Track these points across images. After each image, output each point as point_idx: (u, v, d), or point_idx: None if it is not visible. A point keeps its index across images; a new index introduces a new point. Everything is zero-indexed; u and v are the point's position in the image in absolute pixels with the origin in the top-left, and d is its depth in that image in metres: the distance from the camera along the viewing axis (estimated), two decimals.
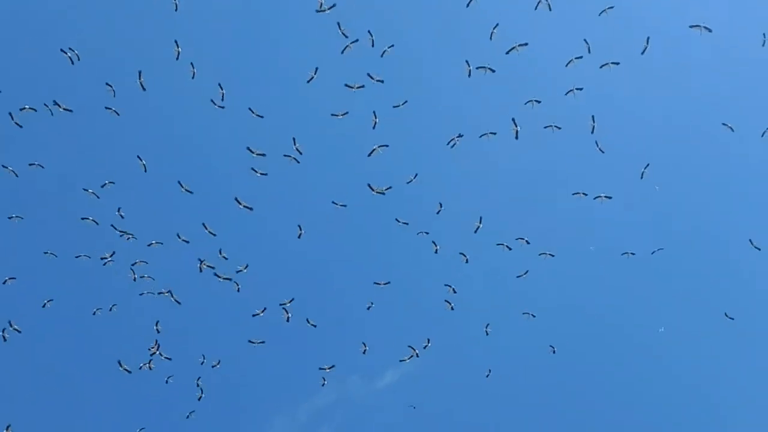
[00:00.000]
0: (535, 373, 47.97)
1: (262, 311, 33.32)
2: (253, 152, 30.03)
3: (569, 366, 48.29)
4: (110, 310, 33.66)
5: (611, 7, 28.44)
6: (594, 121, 29.76)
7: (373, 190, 30.27)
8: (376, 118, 30.28)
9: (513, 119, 29.40)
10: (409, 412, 47.65)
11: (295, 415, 44.91)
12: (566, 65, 29.55)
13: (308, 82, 29.98)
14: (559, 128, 29.87)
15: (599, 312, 47.76)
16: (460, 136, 30.30)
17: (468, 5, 29.21)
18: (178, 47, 29.11)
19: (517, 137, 29.85)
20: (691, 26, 27.26)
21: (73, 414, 44.24)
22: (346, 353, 44.14)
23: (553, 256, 33.84)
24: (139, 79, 29.31)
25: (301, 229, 32.98)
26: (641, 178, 32.63)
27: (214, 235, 31.84)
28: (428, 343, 34.60)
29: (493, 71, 28.91)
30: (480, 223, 33.05)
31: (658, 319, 45.67)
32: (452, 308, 34.42)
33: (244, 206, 31.12)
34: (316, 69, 29.68)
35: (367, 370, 46.53)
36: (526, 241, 33.45)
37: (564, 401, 49.22)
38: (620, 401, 48.45)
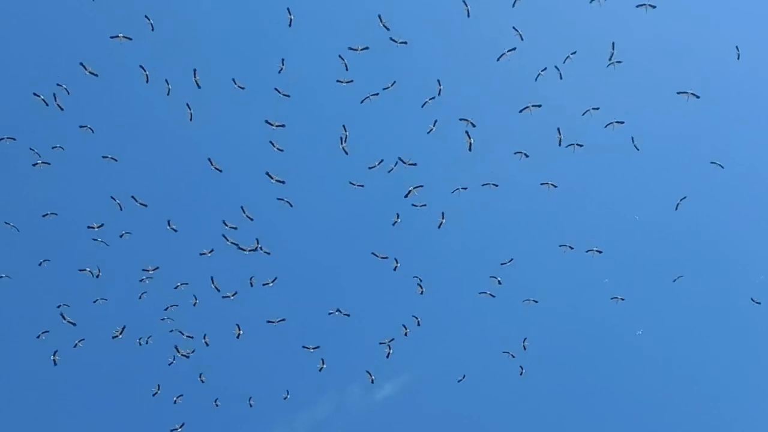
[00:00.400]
0: (534, 383, 48.52)
1: (233, 294, 33.77)
2: (272, 125, 30.31)
3: (568, 378, 49.08)
4: (147, 341, 34.57)
5: (620, 62, 28.63)
6: (560, 133, 29.94)
7: (404, 162, 30.60)
8: (345, 131, 30.79)
9: (467, 132, 29.71)
10: (408, 423, 48.67)
11: (293, 426, 45.80)
12: (582, 114, 30.26)
13: (279, 72, 30.40)
14: (555, 186, 30.23)
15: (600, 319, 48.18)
16: (464, 188, 30.88)
17: (498, 59, 29.93)
18: (145, 71, 29.70)
19: (470, 149, 30.13)
20: (678, 92, 27.16)
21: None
22: (345, 364, 45.15)
23: (536, 302, 34.35)
24: (195, 77, 29.89)
25: (258, 243, 32.89)
26: (676, 209, 33.33)
27: (252, 219, 32.15)
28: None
29: (471, 142, 29.19)
30: (443, 218, 33.11)
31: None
32: (406, 334, 34.91)
33: (277, 180, 31.30)
34: (283, 60, 30.13)
35: (366, 382, 47.21)
36: (498, 281, 34.00)
37: (563, 413, 49.89)
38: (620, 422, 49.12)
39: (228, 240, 31.82)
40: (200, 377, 36.18)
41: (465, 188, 31.38)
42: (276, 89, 30.16)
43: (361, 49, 29.57)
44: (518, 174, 34.69)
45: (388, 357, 35.68)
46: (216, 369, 39.36)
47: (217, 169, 31.55)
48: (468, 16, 29.38)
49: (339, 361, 44.38)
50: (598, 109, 29.39)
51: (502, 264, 34.86)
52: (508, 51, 28.87)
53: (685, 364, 49.10)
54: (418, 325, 34.88)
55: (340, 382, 46.12)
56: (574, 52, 28.51)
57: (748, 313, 45.33)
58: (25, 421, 44.95)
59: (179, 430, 35.79)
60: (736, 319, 47.08)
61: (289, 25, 29.91)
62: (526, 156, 30.08)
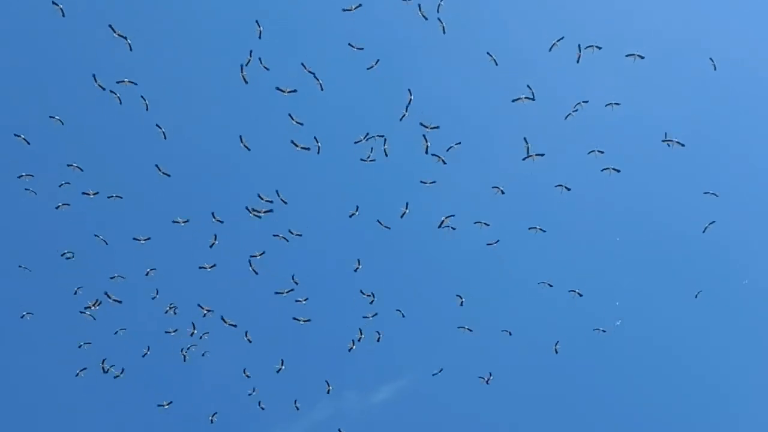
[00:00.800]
0: (532, 386, 49.37)
1: (211, 266, 33.62)
2: (283, 91, 30.23)
3: (566, 382, 49.68)
4: (186, 353, 35.11)
5: (618, 103, 29.09)
6: (529, 148, 30.22)
7: (426, 127, 30.64)
8: (318, 143, 31.22)
9: (424, 135, 30.28)
10: (405, 427, 49.40)
11: (289, 430, 46.40)
12: (588, 153, 30.90)
13: (246, 64, 30.28)
14: (544, 231, 30.60)
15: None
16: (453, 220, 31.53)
17: (513, 101, 30.27)
18: (117, 95, 30.24)
19: (427, 152, 30.72)
20: (663, 140, 27.38)
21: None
22: (342, 368, 45.76)
23: (510, 334, 34.88)
24: (242, 72, 30.09)
25: (216, 239, 33.00)
26: (703, 232, 34.11)
27: (286, 203, 32.20)
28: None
29: (428, 145, 29.46)
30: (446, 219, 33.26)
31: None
32: (359, 339, 35.29)
33: (302, 147, 31.51)
34: (251, 52, 29.85)
35: (363, 385, 47.92)
36: (461, 302, 34.64)
37: (560, 416, 50.60)
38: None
39: (251, 211, 31.64)
40: (244, 372, 36.38)
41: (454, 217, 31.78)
42: (302, 64, 30.11)
43: (355, 8, 29.85)
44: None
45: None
46: (212, 371, 40.03)
47: (246, 147, 31.67)
48: (444, 32, 29.68)
49: (336, 364, 45.27)
50: (603, 152, 29.94)
51: (488, 244, 34.98)
52: (525, 97, 29.14)
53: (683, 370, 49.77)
54: (378, 341, 35.32)
55: (336, 386, 46.59)
56: (587, 101, 28.80)
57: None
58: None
59: (167, 406, 36.02)
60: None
61: (259, 37, 29.98)
62: (503, 193, 30.53)
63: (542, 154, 29.36)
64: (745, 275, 43.55)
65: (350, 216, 33.22)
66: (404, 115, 30.95)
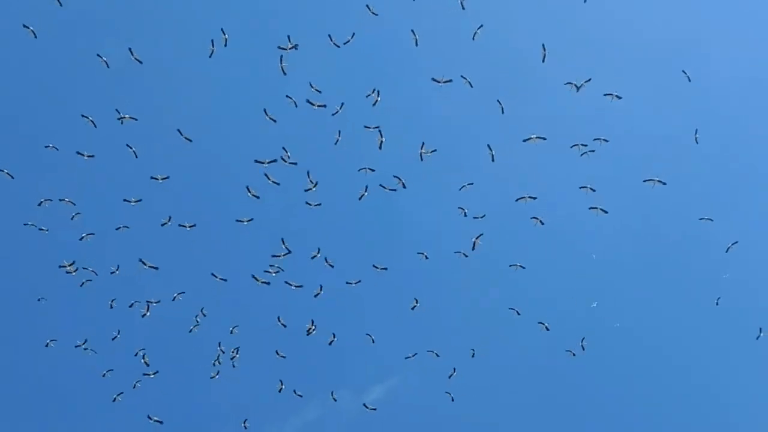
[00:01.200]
0: (526, 390, 49.74)
1: (191, 225, 34.17)
2: (285, 48, 30.76)
3: (561, 381, 50.01)
4: (217, 361, 36.11)
5: (606, 140, 28.86)
6: (494, 155, 30.14)
7: (438, 82, 30.93)
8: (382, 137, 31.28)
9: (378, 129, 30.63)
10: (397, 426, 49.92)
11: (282, 429, 47.08)
12: (581, 188, 31.06)
13: (210, 56, 30.98)
14: (524, 267, 30.76)
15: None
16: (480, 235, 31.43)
17: (525, 141, 30.66)
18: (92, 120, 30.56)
19: (380, 148, 31.24)
20: (645, 180, 27.34)
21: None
22: (335, 367, 46.21)
23: (473, 355, 35.47)
24: (281, 63, 30.71)
25: (170, 220, 33.62)
26: (726, 251, 34.39)
27: (314, 185, 32.70)
28: None
29: (383, 141, 29.63)
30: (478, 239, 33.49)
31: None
32: (312, 329, 35.46)
33: (318, 106, 31.94)
34: (213, 42, 30.65)
35: (356, 384, 48.32)
36: (415, 306, 34.52)
37: (555, 416, 51.02)
38: None
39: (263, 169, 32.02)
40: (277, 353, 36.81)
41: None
42: (329, 35, 30.57)
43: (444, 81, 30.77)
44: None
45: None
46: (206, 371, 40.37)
47: (272, 119, 31.81)
48: (416, 45, 29.82)
49: (329, 364, 45.71)
50: (594, 190, 29.96)
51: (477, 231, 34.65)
52: (536, 137, 29.23)
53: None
54: (330, 344, 35.82)
55: (329, 386, 47.07)
56: (586, 146, 28.74)
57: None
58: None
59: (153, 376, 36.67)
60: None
61: (225, 45, 29.89)
62: (465, 214, 30.70)
63: (535, 197, 29.72)
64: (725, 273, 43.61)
65: (305, 191, 32.89)
66: (372, 95, 31.26)
